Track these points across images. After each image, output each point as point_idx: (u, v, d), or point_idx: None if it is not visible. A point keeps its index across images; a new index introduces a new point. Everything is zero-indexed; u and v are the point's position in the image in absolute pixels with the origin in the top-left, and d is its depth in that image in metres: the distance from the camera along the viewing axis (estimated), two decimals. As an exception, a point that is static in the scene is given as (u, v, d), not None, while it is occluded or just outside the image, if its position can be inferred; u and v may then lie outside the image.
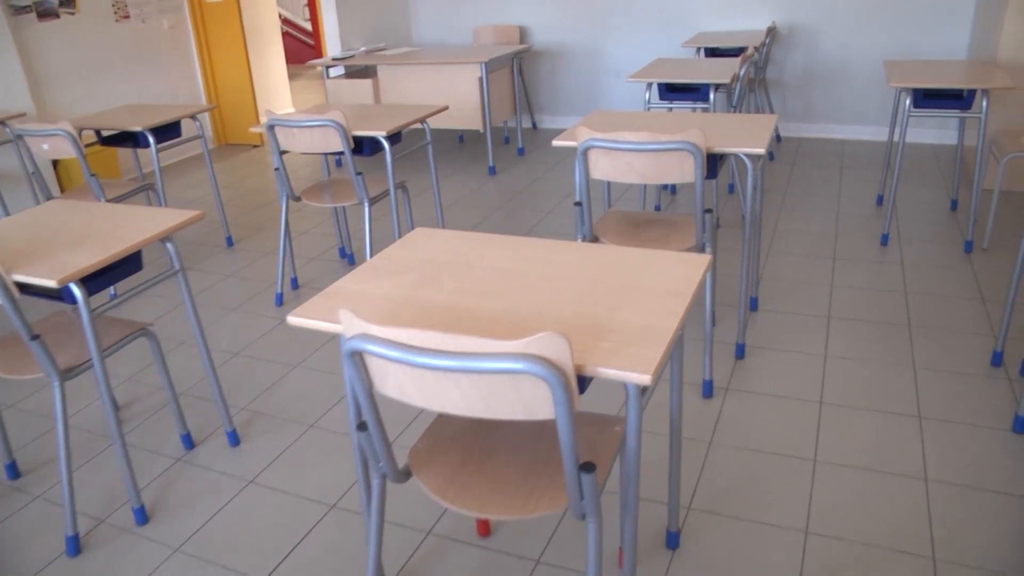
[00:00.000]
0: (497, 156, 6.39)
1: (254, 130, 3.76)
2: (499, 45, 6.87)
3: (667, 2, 6.44)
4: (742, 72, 4.29)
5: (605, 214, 3.22)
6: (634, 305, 1.65)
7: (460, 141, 6.91)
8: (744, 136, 2.93)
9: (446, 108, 3.99)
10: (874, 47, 5.97)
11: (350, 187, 3.89)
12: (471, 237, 2.10)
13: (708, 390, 2.98)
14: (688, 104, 4.58)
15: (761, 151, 2.78)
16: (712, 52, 5.76)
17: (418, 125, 3.94)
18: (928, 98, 3.98)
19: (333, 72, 6.51)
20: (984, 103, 3.82)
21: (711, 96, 4.31)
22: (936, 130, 5.95)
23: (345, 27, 6.60)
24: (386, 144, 3.59)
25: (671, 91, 4.49)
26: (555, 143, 2.99)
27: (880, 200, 4.85)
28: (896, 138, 5.77)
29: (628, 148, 2.71)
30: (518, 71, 6.71)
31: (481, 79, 5.73)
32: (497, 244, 2.04)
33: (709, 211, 2.82)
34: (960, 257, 4.01)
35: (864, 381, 2.98)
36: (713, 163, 2.92)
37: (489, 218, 4.94)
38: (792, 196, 5.04)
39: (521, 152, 6.36)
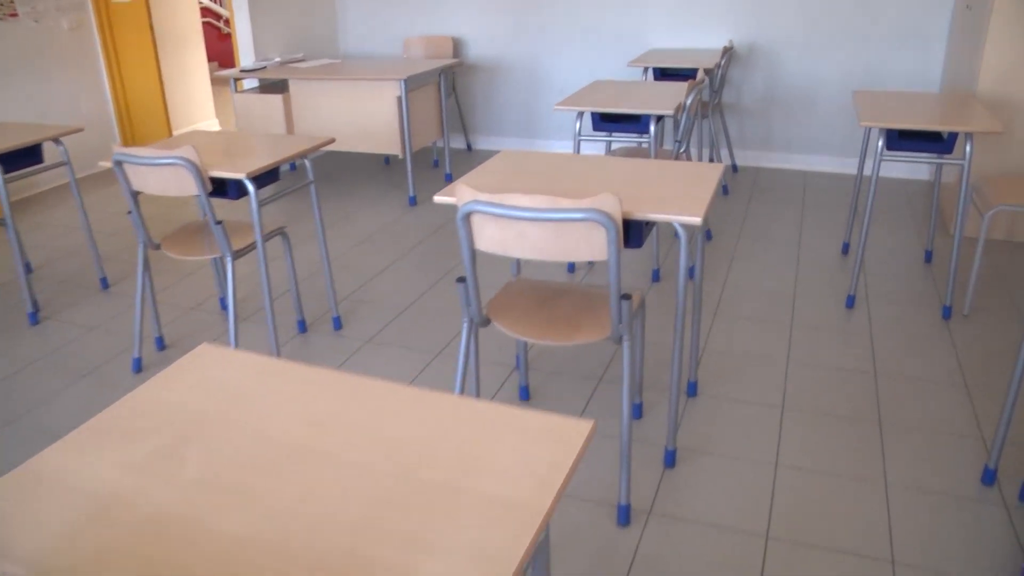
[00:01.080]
0: (422, 183, 5.74)
1: (103, 164, 3.10)
2: (429, 59, 6.20)
3: (616, 16, 5.83)
4: (689, 101, 3.63)
5: (506, 286, 2.59)
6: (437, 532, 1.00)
7: (386, 164, 6.22)
8: (679, 194, 2.33)
9: (332, 141, 3.35)
10: (841, 72, 5.39)
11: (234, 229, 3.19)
12: (264, 368, 1.42)
13: (624, 516, 2.35)
14: (627, 137, 3.92)
15: (697, 220, 2.16)
16: (662, 73, 5.18)
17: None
18: (904, 138, 3.34)
19: (248, 84, 5.85)
20: (968, 148, 3.23)
21: (651, 129, 3.61)
22: (908, 164, 5.34)
23: (260, 34, 5.87)
24: (251, 187, 2.88)
25: (607, 121, 3.77)
26: (436, 199, 2.38)
27: (846, 249, 4.23)
28: (866, 176, 5.21)
29: (520, 216, 2.07)
30: (450, 87, 6.15)
31: (400, 98, 5.02)
32: (296, 385, 1.36)
33: (627, 297, 2.20)
34: (937, 325, 3.45)
35: (823, 505, 2.36)
36: (639, 230, 2.31)
37: (398, 263, 4.30)
38: (746, 241, 4.44)
39: (449, 179, 5.70)
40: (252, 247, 3.08)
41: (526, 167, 2.69)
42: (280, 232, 3.25)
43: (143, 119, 6.54)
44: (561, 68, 6.12)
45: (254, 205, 2.98)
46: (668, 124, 5.63)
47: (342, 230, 4.80)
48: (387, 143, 5.26)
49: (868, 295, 3.71)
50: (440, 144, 6.51)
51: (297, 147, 3.13)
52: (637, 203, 2.25)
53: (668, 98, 3.79)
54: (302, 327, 3.58)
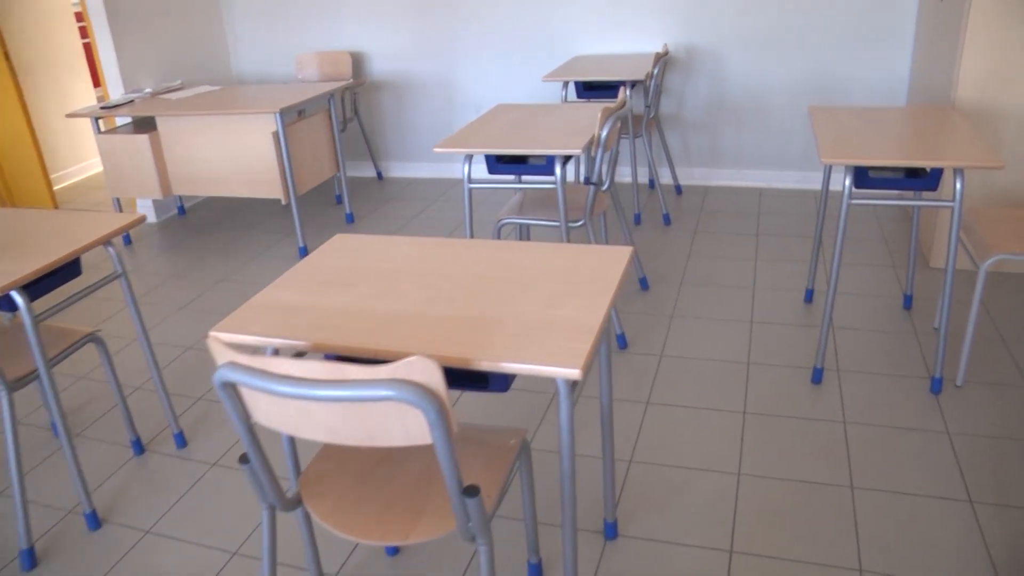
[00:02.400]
0: (319, 227, 4.92)
1: None
2: (323, 80, 5.46)
3: (537, 22, 5.08)
4: (605, 132, 2.85)
5: (320, 453, 1.83)
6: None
7: (283, 204, 5.31)
8: (562, 315, 1.58)
9: (141, 219, 2.51)
10: (796, 75, 4.71)
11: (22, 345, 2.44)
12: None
13: None
14: (536, 179, 3.27)
15: (575, 373, 1.42)
16: (586, 87, 4.42)
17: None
18: (876, 171, 2.60)
19: (121, 120, 5.00)
20: (958, 185, 2.49)
21: (557, 172, 2.92)
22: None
23: (129, 59, 5.02)
24: (20, 302, 2.13)
25: (505, 162, 3.07)
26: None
27: (810, 296, 3.45)
28: (835, 197, 4.42)
29: (292, 394, 1.34)
30: (351, 110, 5.38)
31: (276, 133, 4.14)
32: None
33: (472, 492, 1.46)
34: (926, 404, 2.74)
35: None
36: (503, 379, 1.62)
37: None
38: (690, 290, 3.71)
39: (350, 219, 4.87)
40: (34, 375, 2.26)
41: (365, 262, 2.01)
42: (91, 339, 2.50)
43: (14, 171, 5.62)
44: (478, 82, 5.36)
45: (27, 322, 2.16)
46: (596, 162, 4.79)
47: (210, 300, 3.99)
48: (267, 186, 4.42)
49: (839, 365, 3.01)
50: (353, 174, 5.62)
51: (96, 231, 2.34)
52: (485, 339, 1.52)
53: (580, 129, 3.05)
54: (138, 448, 2.83)
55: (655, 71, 4.16)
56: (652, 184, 5.11)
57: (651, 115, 4.52)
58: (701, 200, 4.83)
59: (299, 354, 1.58)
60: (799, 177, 4.86)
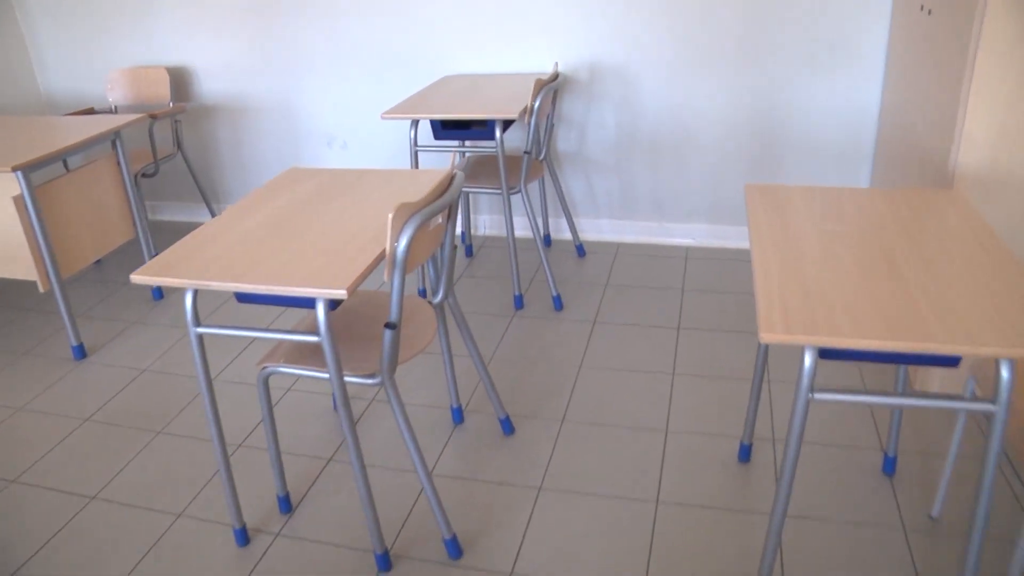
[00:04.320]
0: (118, 305, 3.73)
1: None
2: (136, 104, 4.29)
3: (395, 29, 3.92)
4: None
5: None
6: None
7: (97, 264, 4.01)
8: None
9: None
10: (731, 104, 3.64)
11: None
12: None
13: None
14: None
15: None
16: (451, 126, 3.33)
17: None
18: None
19: None
20: (1004, 376, 1.29)
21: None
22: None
23: None
24: None
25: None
26: None
27: (746, 454, 2.35)
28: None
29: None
30: (173, 142, 4.25)
31: (21, 198, 2.86)
32: None
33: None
34: None
35: None
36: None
37: (30, 482, 2.25)
38: (569, 437, 2.64)
39: (159, 295, 3.54)
40: None
41: None
42: None
43: None
44: (331, 108, 4.19)
45: None
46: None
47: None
48: (19, 266, 3.11)
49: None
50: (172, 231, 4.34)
51: None
52: None
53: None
54: None
55: (535, 105, 2.95)
56: (547, 241, 3.90)
57: (539, 157, 3.42)
58: (609, 265, 3.68)
59: None
60: (736, 233, 3.76)
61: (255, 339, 3.18)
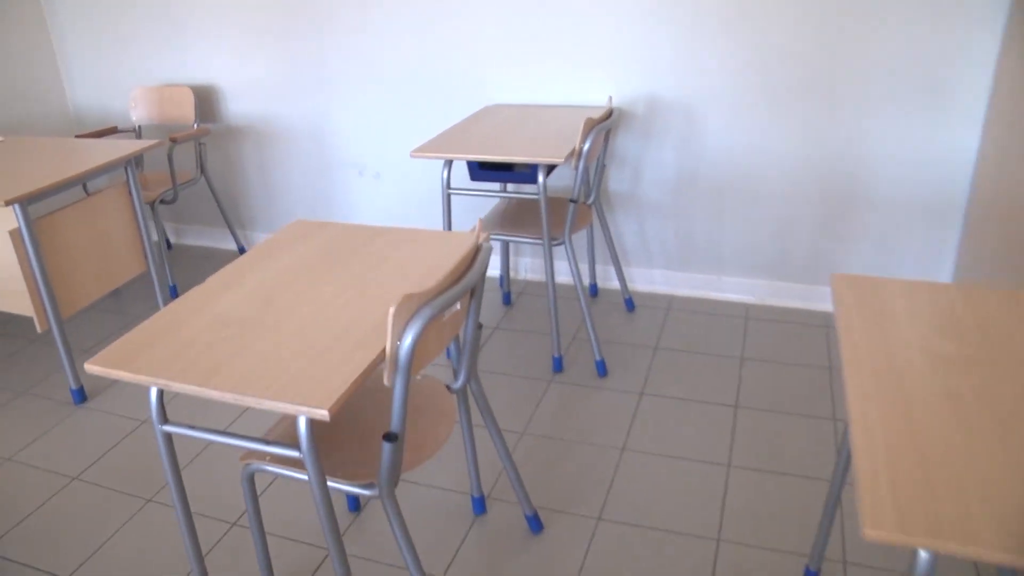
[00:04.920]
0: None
1: None
2: (159, 123, 4.08)
3: (438, 57, 3.59)
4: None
5: None
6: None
7: (115, 293, 3.77)
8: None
9: None
10: (803, 148, 3.25)
11: None
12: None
13: None
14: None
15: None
16: (490, 167, 3.04)
17: None
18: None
19: None
20: None
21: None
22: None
23: None
24: None
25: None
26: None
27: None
28: None
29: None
30: (196, 166, 3.99)
31: (19, 232, 2.60)
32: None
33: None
34: None
35: None
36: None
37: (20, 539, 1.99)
38: (607, 537, 2.28)
39: None
40: None
41: None
42: None
43: None
44: (360, 130, 3.88)
45: None
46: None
47: None
48: (16, 301, 2.86)
49: None
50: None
51: None
52: None
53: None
54: None
55: (584, 148, 2.57)
56: (593, 290, 3.52)
57: (588, 201, 3.11)
58: (660, 323, 3.32)
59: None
60: (802, 293, 3.35)
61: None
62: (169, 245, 4.40)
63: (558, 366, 3.01)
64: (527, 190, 3.14)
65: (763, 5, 2.97)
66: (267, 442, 1.54)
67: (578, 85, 3.32)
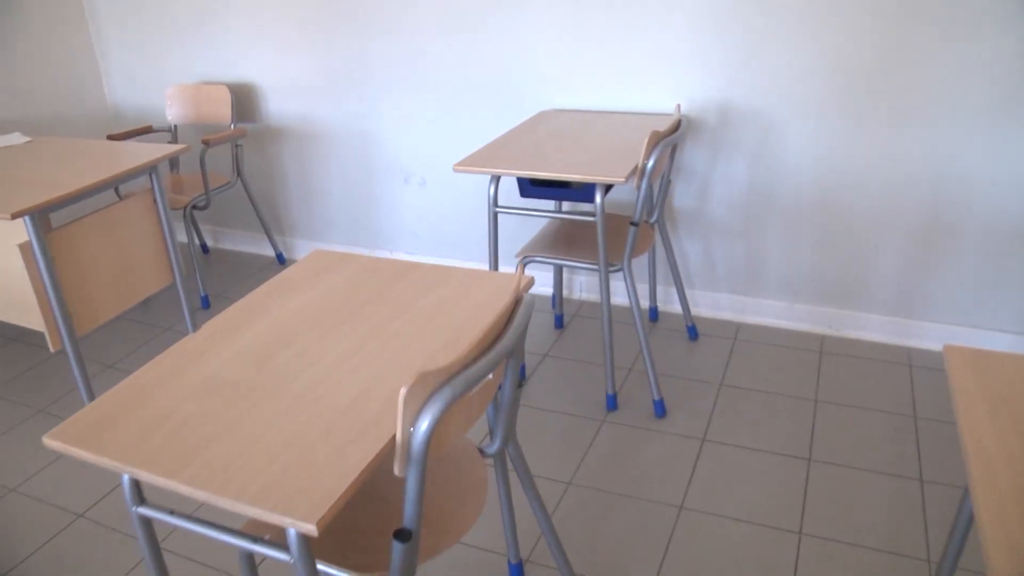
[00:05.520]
0: (137, 363, 3.29)
1: None
2: (196, 122, 3.89)
3: (490, 57, 3.31)
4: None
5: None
6: None
7: (145, 303, 3.61)
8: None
9: None
10: (894, 164, 2.88)
11: None
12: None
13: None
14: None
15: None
16: (540, 185, 2.76)
17: None
18: None
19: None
20: None
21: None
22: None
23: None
24: None
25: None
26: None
27: None
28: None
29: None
30: (233, 169, 3.81)
31: (31, 246, 2.41)
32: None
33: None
34: None
35: None
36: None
37: None
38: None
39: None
40: None
41: None
42: None
43: None
44: (405, 133, 3.62)
45: None
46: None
47: None
48: (30, 316, 2.66)
49: None
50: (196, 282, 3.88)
51: None
52: None
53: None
54: None
55: (648, 165, 2.26)
56: (653, 315, 3.20)
57: (651, 220, 2.85)
58: (726, 355, 3.05)
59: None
60: (888, 326, 3.05)
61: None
62: (206, 249, 4.19)
63: (612, 404, 2.71)
64: (583, 207, 2.82)
65: (852, 2, 2.61)
66: (255, 539, 1.26)
67: (643, 90, 3.01)
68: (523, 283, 1.48)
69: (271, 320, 1.58)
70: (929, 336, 2.95)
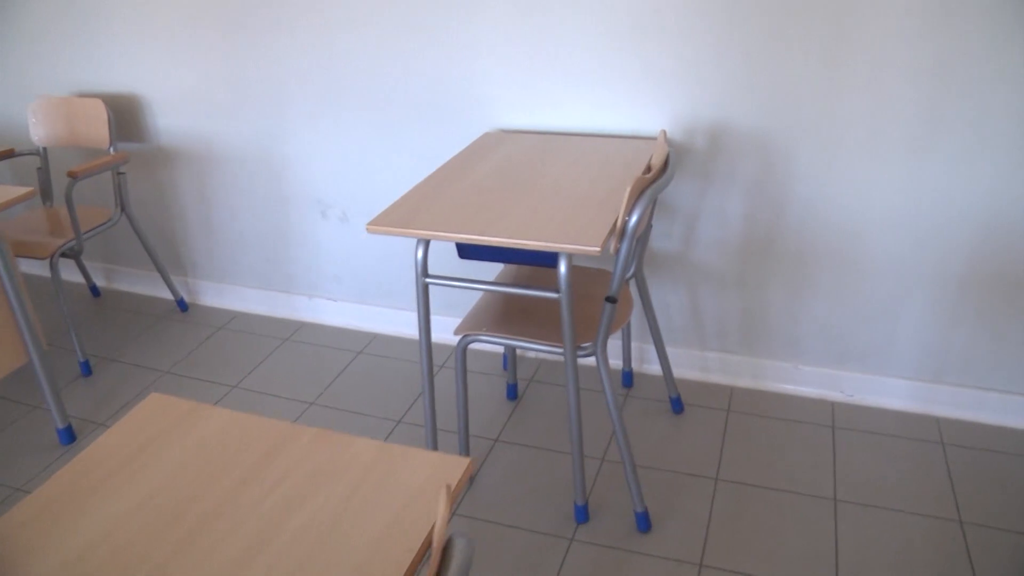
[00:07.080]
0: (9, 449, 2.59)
1: None
2: (69, 143, 3.26)
3: (423, 62, 2.67)
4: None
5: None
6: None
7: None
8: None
9: None
10: (917, 203, 2.33)
11: None
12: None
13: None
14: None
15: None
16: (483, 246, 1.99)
17: None
18: None
19: None
20: None
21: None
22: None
23: None
24: None
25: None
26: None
27: None
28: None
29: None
30: (115, 202, 3.12)
31: None
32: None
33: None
34: None
35: None
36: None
37: None
38: None
39: (67, 439, 2.47)
40: None
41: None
42: None
43: None
44: (322, 157, 2.97)
45: None
46: None
47: None
48: None
49: None
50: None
51: None
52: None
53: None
54: None
55: (631, 222, 1.77)
56: (628, 380, 2.60)
57: (628, 275, 2.28)
58: (719, 433, 2.51)
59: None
60: (911, 392, 2.55)
61: None
62: (96, 292, 3.49)
63: (582, 516, 2.11)
64: (542, 273, 2.21)
65: (874, 5, 2.03)
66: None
67: (615, 108, 2.44)
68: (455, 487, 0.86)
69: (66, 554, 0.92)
70: (961, 403, 2.41)
